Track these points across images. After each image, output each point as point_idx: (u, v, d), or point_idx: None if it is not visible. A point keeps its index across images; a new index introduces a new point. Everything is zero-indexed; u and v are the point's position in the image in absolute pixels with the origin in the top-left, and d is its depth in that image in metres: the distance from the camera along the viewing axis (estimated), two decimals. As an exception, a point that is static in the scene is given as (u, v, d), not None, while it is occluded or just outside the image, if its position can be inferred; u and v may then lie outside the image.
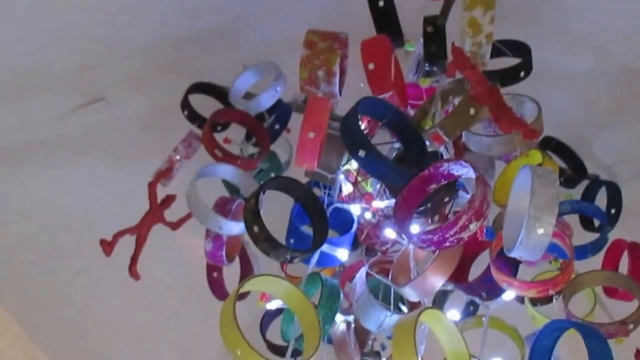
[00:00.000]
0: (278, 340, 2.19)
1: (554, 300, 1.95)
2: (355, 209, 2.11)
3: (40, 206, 2.62)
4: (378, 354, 2.22)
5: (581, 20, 2.36)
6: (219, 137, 2.22)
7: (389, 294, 2.01)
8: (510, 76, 2.07)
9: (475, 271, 2.05)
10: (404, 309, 2.14)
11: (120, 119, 2.58)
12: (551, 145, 2.40)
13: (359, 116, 1.83)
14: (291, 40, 2.01)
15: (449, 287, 2.10)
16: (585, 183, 2.49)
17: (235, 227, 1.92)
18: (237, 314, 1.54)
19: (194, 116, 2.30)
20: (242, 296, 1.87)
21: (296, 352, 1.86)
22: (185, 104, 2.30)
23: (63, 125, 2.51)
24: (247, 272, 2.26)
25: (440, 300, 2.30)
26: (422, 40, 2.08)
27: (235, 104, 2.21)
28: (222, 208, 1.99)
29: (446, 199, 1.94)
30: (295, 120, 2.17)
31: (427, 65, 2.07)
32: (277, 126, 2.30)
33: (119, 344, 2.72)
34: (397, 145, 2.04)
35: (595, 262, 2.20)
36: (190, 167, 2.16)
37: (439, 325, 1.75)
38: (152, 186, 2.10)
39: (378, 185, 2.13)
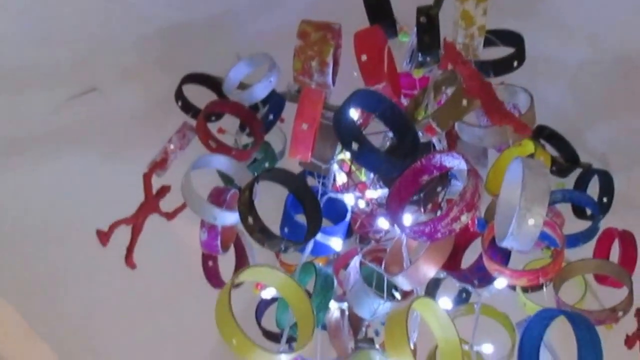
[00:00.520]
0: (273, 327, 2.22)
1: (545, 287, 1.99)
2: (349, 199, 2.13)
3: (35, 198, 2.64)
4: (372, 340, 2.25)
5: (575, 10, 2.36)
6: (213, 127, 2.23)
7: (383, 282, 2.04)
8: (503, 66, 2.08)
9: (468, 258, 2.08)
10: (397, 296, 2.17)
11: (114, 112, 2.59)
12: (544, 134, 2.42)
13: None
14: (284, 32, 2.01)
15: (442, 274, 2.13)
16: (577, 172, 2.51)
17: (230, 218, 1.94)
18: (232, 301, 1.57)
19: (187, 107, 2.30)
20: (237, 284, 1.90)
21: (291, 339, 1.89)
22: (179, 95, 2.30)
23: (57, 118, 2.52)
24: (242, 260, 2.28)
25: (432, 287, 2.33)
26: (415, 29, 2.09)
27: (229, 94, 2.21)
28: (217, 198, 2.00)
29: (439, 189, 1.95)
30: (289, 109, 2.18)
31: (420, 55, 2.07)
32: (271, 116, 2.31)
33: (116, 332, 2.75)
34: (390, 134, 2.05)
35: (586, 250, 2.22)
36: (185, 157, 2.17)
37: (430, 314, 1.78)
38: (147, 177, 2.11)
39: (372, 175, 2.15)
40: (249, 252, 2.29)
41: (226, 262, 2.26)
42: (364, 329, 2.33)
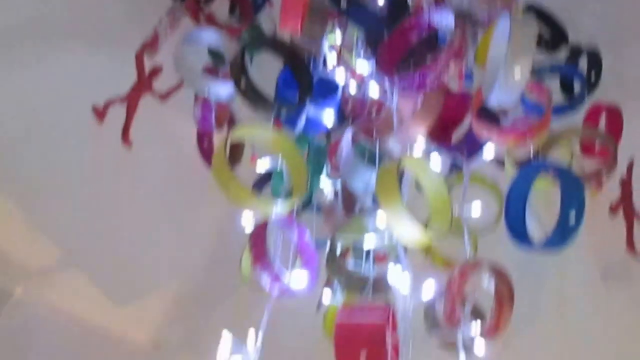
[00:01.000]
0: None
1: (532, 150, 2.04)
2: (339, 74, 2.15)
3: (28, 92, 2.64)
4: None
5: None
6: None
7: (375, 156, 2.08)
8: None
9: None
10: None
11: (103, 2, 2.57)
12: (533, 11, 2.42)
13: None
14: None
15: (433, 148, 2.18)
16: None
17: (223, 89, 1.96)
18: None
19: None
20: (235, 158, 1.95)
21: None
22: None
23: (45, 8, 2.50)
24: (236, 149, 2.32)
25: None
26: None
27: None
28: (210, 71, 2.02)
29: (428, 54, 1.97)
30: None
31: None
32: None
33: (115, 223, 2.81)
34: None
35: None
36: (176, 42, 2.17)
37: (420, 171, 1.83)
38: (139, 57, 2.13)
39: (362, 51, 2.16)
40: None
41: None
42: (356, 209, 2.41)
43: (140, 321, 3.09)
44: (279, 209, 1.66)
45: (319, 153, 2.01)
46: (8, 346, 2.90)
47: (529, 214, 1.90)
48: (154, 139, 2.65)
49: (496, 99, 1.73)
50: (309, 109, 2.02)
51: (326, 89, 2.19)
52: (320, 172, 2.02)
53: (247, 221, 1.84)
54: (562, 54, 2.52)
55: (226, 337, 1.69)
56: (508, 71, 1.65)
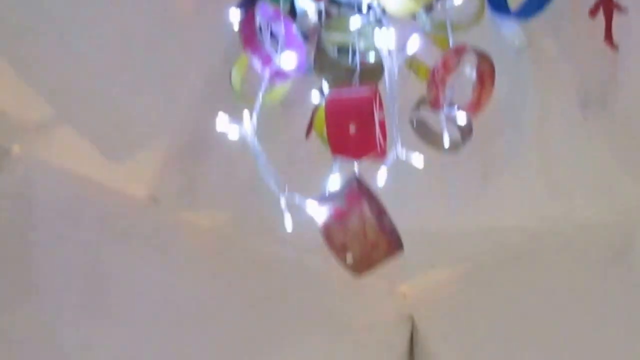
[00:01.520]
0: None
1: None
2: None
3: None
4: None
5: None
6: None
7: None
8: None
9: None
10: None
11: None
12: None
13: None
14: None
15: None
16: None
17: None
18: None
19: None
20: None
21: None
22: None
23: None
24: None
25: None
26: None
27: None
28: None
29: None
30: None
31: None
32: None
33: (105, 72, 2.84)
34: None
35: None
36: None
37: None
38: None
39: None
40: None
41: None
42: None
43: (138, 175, 3.18)
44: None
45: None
46: (11, 199, 2.99)
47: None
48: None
49: None
50: None
51: None
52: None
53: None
54: None
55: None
56: None
